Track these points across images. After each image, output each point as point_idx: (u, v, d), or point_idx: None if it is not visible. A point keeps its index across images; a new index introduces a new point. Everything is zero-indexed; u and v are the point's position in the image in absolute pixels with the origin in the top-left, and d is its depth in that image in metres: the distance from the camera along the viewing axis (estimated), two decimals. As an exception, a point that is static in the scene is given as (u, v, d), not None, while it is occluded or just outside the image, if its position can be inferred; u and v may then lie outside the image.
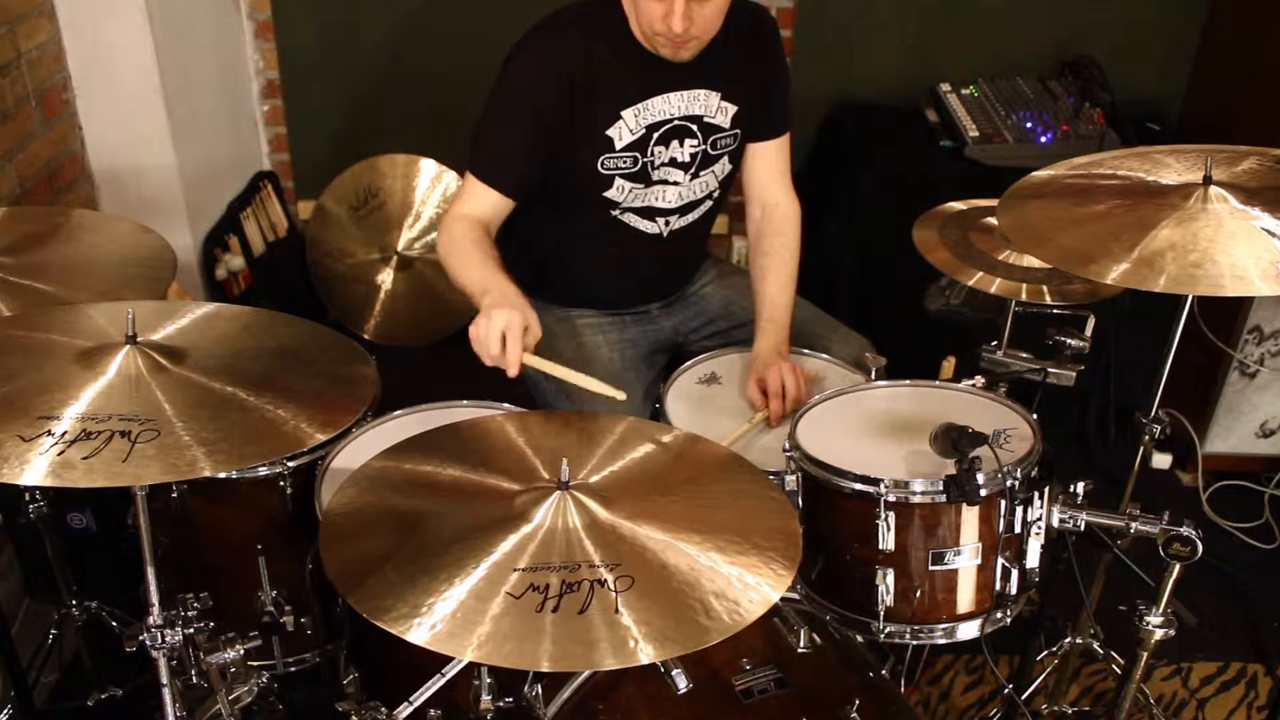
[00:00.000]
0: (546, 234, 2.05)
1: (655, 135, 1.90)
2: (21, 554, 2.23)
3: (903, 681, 1.84)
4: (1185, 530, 1.47)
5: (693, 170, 1.97)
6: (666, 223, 2.01)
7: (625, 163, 1.91)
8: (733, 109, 1.95)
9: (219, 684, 1.48)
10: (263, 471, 1.64)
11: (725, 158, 2.00)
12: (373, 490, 1.38)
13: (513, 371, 1.62)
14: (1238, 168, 1.60)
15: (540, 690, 1.42)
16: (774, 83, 2.02)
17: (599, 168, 1.90)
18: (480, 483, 1.39)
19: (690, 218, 2.03)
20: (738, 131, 1.98)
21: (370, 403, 1.50)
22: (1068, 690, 2.15)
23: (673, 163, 1.95)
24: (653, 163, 1.93)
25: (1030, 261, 1.90)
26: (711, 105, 1.93)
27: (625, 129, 1.88)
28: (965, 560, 1.52)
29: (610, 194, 1.94)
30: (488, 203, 1.85)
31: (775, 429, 1.82)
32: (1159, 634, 1.58)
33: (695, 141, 1.95)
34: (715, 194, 2.05)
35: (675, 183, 1.97)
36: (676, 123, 1.91)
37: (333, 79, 3.27)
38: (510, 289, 1.70)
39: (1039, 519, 1.52)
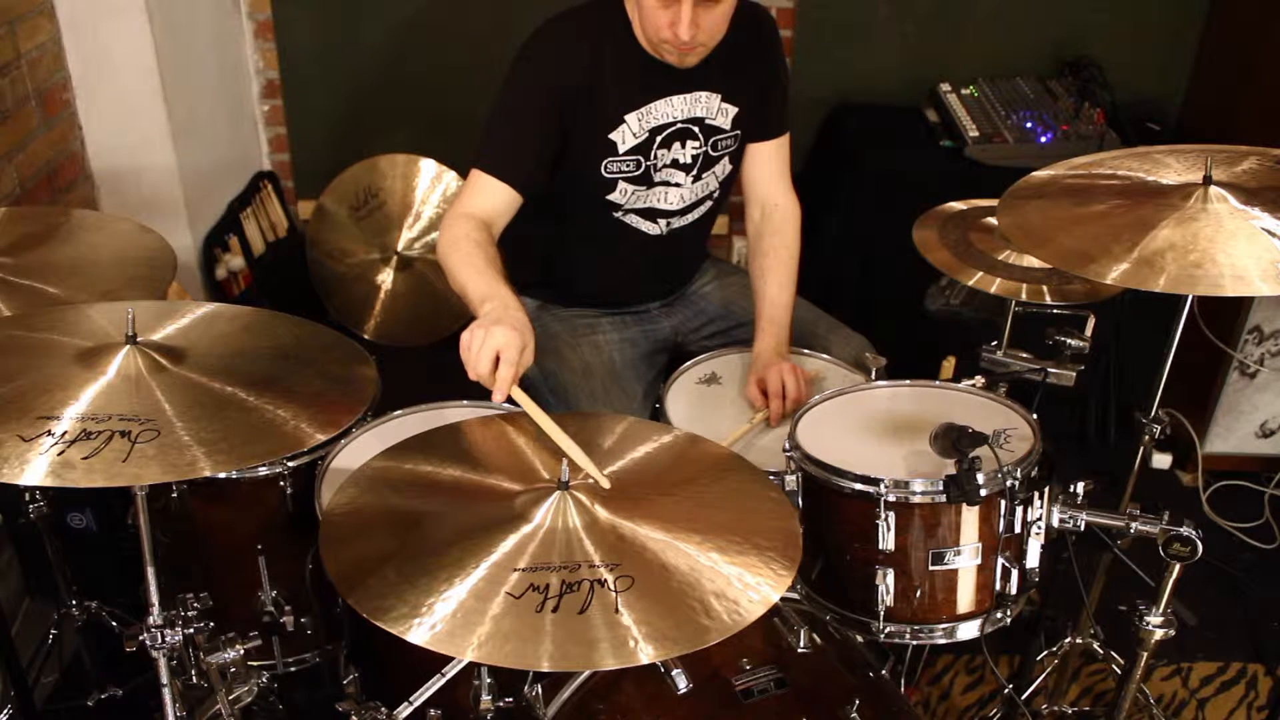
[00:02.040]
0: (547, 234, 2.05)
1: (658, 138, 1.90)
2: (21, 554, 2.22)
3: (903, 681, 1.84)
4: (1185, 530, 1.47)
5: (694, 172, 1.97)
6: (668, 223, 2.01)
7: (628, 166, 1.90)
8: (733, 110, 1.95)
9: (219, 684, 1.48)
10: (263, 471, 1.64)
11: (726, 158, 2.00)
12: (373, 490, 1.38)
13: (499, 397, 1.51)
14: (1238, 168, 1.60)
15: (540, 690, 1.42)
16: (774, 83, 2.02)
17: (602, 171, 1.90)
18: (480, 483, 1.39)
19: (690, 218, 2.04)
20: (738, 132, 1.99)
21: (370, 403, 1.49)
22: (1068, 690, 2.15)
23: (675, 164, 1.95)
24: (655, 165, 1.93)
25: (1030, 261, 1.90)
26: (713, 107, 1.93)
27: (628, 132, 1.88)
28: (965, 560, 1.52)
29: (613, 196, 1.94)
30: (494, 198, 1.81)
31: (775, 429, 1.82)
32: (1159, 634, 1.58)
33: (697, 143, 1.95)
34: (715, 194, 2.05)
35: (677, 184, 1.97)
36: (679, 125, 1.91)
37: (333, 79, 3.27)
38: (513, 302, 1.61)
39: (1039, 519, 1.52)
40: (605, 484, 1.36)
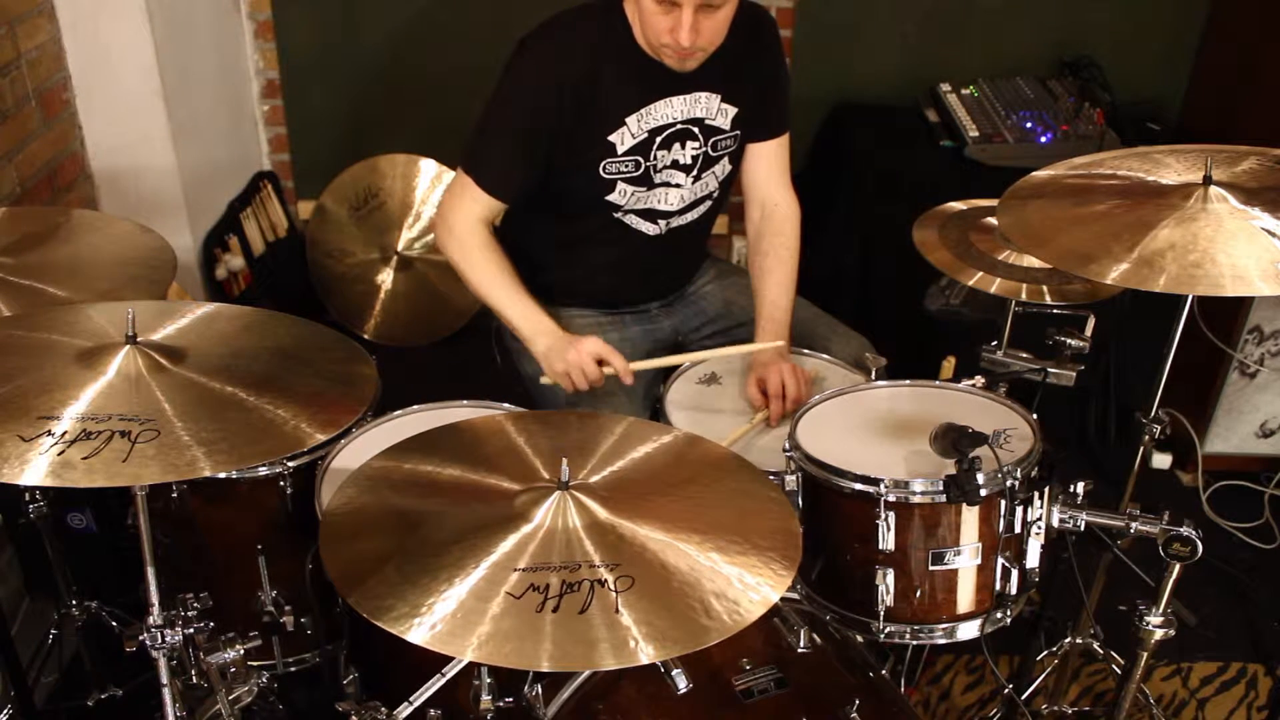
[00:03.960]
0: (546, 235, 2.05)
1: (658, 139, 1.90)
2: (21, 554, 2.22)
3: (903, 681, 1.84)
4: (1185, 530, 1.47)
5: (694, 172, 1.97)
6: (667, 223, 2.01)
7: (628, 167, 1.90)
8: (733, 110, 1.95)
9: (219, 684, 1.48)
10: (263, 471, 1.64)
11: (725, 159, 2.00)
12: (373, 490, 1.38)
13: (630, 378, 1.85)
14: (1238, 168, 1.60)
15: (540, 690, 1.42)
16: (773, 83, 2.02)
17: (601, 172, 1.90)
18: (480, 483, 1.39)
19: (689, 217, 2.03)
20: (738, 133, 1.98)
21: (370, 403, 1.49)
22: (1068, 690, 2.15)
23: (675, 165, 1.95)
24: (655, 166, 1.93)
25: (1030, 261, 1.90)
26: (712, 107, 1.93)
27: (628, 134, 1.88)
28: (965, 560, 1.52)
29: (612, 197, 1.94)
30: (484, 206, 1.89)
31: (775, 429, 1.82)
32: (1159, 634, 1.58)
33: (696, 144, 1.94)
34: (715, 194, 2.05)
35: (677, 185, 1.97)
36: (679, 126, 1.91)
37: (333, 79, 3.27)
38: (558, 329, 1.89)
39: (1039, 519, 1.52)
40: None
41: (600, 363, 1.85)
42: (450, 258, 1.93)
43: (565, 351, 1.84)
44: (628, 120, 1.87)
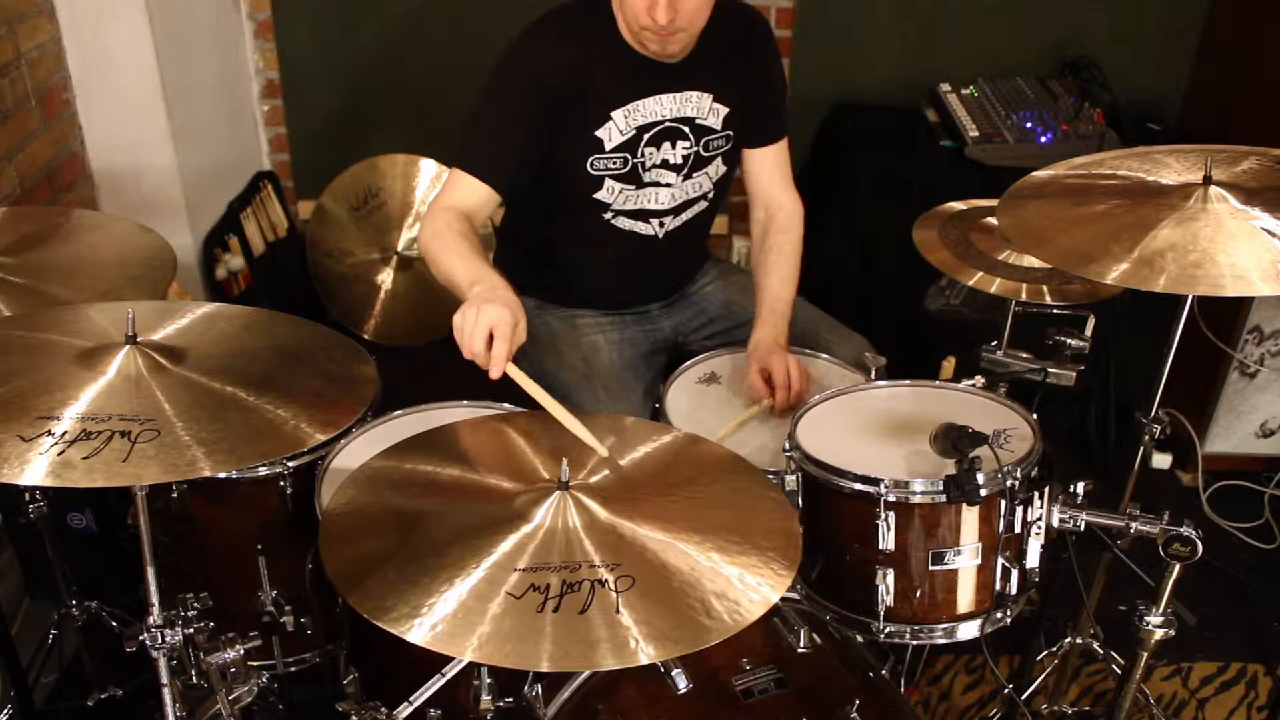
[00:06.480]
0: (545, 236, 2.05)
1: (646, 137, 1.90)
2: (21, 554, 2.23)
3: (903, 681, 1.84)
4: (1185, 530, 1.47)
5: (685, 172, 1.97)
6: (661, 224, 2.01)
7: (615, 164, 1.90)
8: (724, 110, 1.95)
9: (219, 684, 1.48)
10: (263, 471, 1.64)
11: (719, 159, 2.00)
12: (373, 490, 1.38)
13: (495, 373, 1.52)
14: (1238, 168, 1.60)
15: (540, 690, 1.42)
16: (768, 84, 2.01)
17: (588, 168, 1.89)
18: (480, 483, 1.39)
19: (684, 218, 2.03)
20: (730, 133, 1.98)
21: (370, 403, 1.49)
22: (1068, 690, 2.15)
23: (664, 164, 1.94)
24: (643, 164, 1.92)
25: (1030, 261, 1.90)
26: (703, 107, 1.93)
27: (615, 130, 1.87)
28: (965, 560, 1.52)
29: (600, 195, 1.93)
30: (473, 196, 1.82)
31: (773, 423, 1.81)
32: (1159, 634, 1.58)
33: (687, 143, 1.94)
34: (710, 195, 2.04)
35: (667, 184, 1.97)
36: (668, 124, 1.91)
37: (333, 79, 3.27)
38: (500, 282, 1.62)
39: (1039, 519, 1.52)
40: (604, 452, 1.39)
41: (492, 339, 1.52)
42: (421, 241, 1.79)
43: (471, 305, 1.53)
44: (614, 115, 1.86)
